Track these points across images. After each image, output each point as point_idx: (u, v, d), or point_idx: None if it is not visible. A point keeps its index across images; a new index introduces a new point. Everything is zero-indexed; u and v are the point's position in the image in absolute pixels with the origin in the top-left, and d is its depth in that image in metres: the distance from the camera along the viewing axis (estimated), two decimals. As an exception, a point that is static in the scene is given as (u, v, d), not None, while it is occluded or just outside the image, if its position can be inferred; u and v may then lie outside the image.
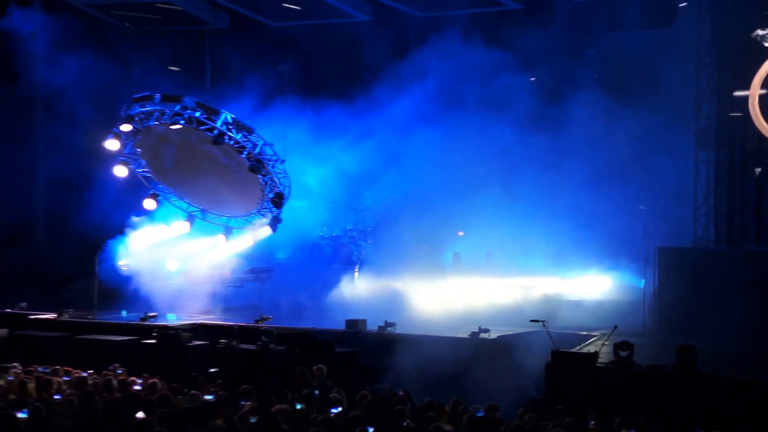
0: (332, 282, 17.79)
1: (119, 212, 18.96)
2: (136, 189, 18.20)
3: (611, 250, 17.95)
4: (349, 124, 19.24)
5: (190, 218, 18.20)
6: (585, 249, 18.18)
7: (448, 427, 8.97)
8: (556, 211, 17.84)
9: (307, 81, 21.18)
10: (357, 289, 18.05)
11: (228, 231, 18.11)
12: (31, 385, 10.70)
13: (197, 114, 16.21)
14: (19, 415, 8.87)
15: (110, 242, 19.00)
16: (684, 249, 16.25)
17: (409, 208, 19.03)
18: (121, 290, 18.86)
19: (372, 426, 8.64)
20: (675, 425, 9.72)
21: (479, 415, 9.56)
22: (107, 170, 17.78)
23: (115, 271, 18.96)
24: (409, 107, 18.00)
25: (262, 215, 17.46)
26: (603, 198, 17.45)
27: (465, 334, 14.10)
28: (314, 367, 11.97)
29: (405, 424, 8.98)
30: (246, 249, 17.88)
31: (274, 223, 17.13)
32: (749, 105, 16.03)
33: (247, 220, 17.92)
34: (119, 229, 19.00)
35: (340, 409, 9.70)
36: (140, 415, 9.10)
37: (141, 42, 22.73)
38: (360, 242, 19.80)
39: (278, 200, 16.64)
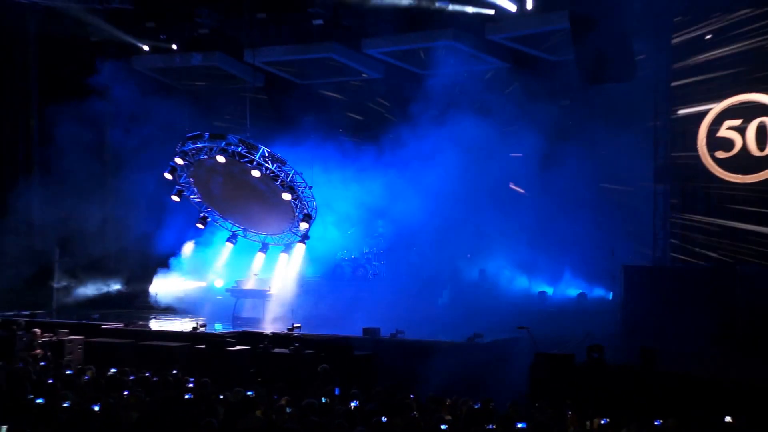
0: (351, 296, 17.82)
1: (181, 235, 19.15)
2: (195, 214, 18.38)
3: (586, 268, 18.02)
4: (366, 163, 19.35)
5: (234, 236, 18.35)
6: (564, 267, 18.25)
7: (448, 418, 8.95)
8: (544, 235, 17.93)
9: (329, 127, 21.36)
10: (371, 301, 18.06)
11: (265, 247, 18.23)
12: (103, 384, 10.81)
13: (239, 149, 16.39)
14: (94, 408, 9.00)
15: (170, 262, 19.18)
16: (645, 267, 16.23)
17: (415, 234, 19.12)
18: (177, 304, 19.02)
19: (385, 416, 8.64)
20: (639, 414, 9.70)
21: (476, 407, 9.60)
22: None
23: (172, 287, 19.13)
24: (416, 148, 18.02)
25: (294, 233, 17.57)
26: (578, 223, 17.55)
27: (463, 339, 14.08)
28: (319, 368, 11.99)
29: (412, 415, 8.95)
30: (296, 266, 17.85)
31: (304, 239, 17.27)
32: (698, 146, 16.15)
33: (281, 237, 18.04)
34: (177, 250, 19.18)
35: (357, 402, 9.72)
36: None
37: (193, 97, 23.06)
38: (374, 263, 19.82)
39: (307, 220, 16.77)
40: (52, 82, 20.63)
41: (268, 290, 17.77)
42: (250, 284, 18.08)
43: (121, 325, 16.69)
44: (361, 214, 19.24)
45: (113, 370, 12.01)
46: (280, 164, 16.51)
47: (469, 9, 17.90)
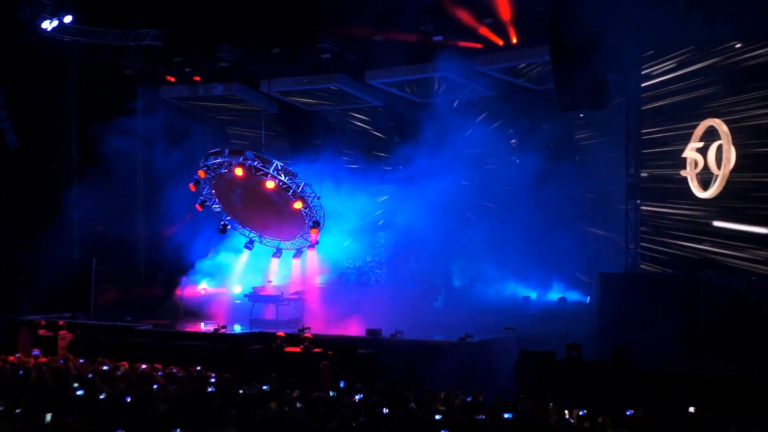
0: (355, 300, 17.86)
1: (207, 244, 19.20)
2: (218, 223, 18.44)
3: (568, 275, 18.07)
4: (369, 180, 19.46)
5: (251, 242, 18.42)
6: (552, 274, 18.30)
7: (442, 409, 9.00)
8: (534, 245, 17.99)
9: (336, 148, 21.48)
10: (373, 305, 18.09)
11: (279, 252, 18.30)
12: (135, 378, 10.88)
13: (255, 163, 16.51)
14: (126, 399, 9.08)
15: (194, 268, 19.23)
16: (618, 274, 16.25)
17: (414, 245, 19.17)
18: (200, 307, 19.05)
19: (385, 408, 8.66)
20: (612, 406, 9.74)
21: (468, 399, 9.64)
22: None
23: (195, 291, 19.17)
24: (414, 167, 18.12)
25: (305, 239, 17.64)
26: (565, 234, 17.60)
27: (455, 339, 14.11)
28: (321, 364, 12.00)
29: (410, 407, 8.97)
30: (313, 273, 17.91)
31: (314, 244, 17.34)
32: (665, 165, 16.22)
33: (293, 243, 18.11)
34: (200, 257, 19.24)
35: (361, 396, 9.76)
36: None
37: (215, 122, 23.20)
38: (376, 270, 19.89)
39: (316, 227, 16.85)
40: (91, 107, 20.84)
41: (282, 295, 17.82)
42: (265, 290, 18.16)
43: (150, 326, 16.74)
44: (365, 225, 19.31)
45: (144, 366, 12.11)
46: (291, 176, 16.65)
47: (462, 43, 18.11)
